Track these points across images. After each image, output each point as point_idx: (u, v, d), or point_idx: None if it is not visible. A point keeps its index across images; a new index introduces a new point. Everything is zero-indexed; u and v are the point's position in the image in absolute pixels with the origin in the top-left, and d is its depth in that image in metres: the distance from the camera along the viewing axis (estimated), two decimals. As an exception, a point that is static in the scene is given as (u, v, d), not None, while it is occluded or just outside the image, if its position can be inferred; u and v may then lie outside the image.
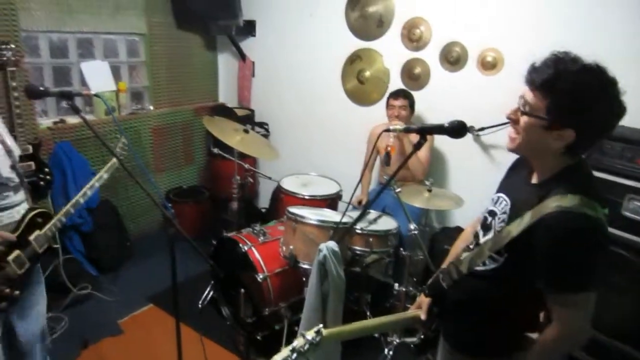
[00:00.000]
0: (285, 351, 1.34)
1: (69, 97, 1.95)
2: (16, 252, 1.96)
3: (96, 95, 2.07)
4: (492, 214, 1.51)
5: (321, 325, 1.39)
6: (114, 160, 2.33)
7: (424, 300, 1.69)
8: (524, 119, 1.33)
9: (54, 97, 3.72)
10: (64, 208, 2.16)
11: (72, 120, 3.80)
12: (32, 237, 2.02)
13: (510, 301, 1.44)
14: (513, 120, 1.38)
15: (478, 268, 1.47)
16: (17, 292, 1.98)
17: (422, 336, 1.70)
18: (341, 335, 1.61)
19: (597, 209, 1.25)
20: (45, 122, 3.68)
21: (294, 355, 1.33)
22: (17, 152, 2.06)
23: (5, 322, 2.07)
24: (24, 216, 2.02)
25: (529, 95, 1.31)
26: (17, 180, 2.03)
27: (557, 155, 1.33)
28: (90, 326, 3.11)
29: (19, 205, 2.05)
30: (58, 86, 3.79)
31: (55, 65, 3.80)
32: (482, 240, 1.52)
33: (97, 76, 3.94)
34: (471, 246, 1.56)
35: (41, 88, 1.89)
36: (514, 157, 1.59)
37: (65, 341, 2.82)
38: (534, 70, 1.30)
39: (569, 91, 1.23)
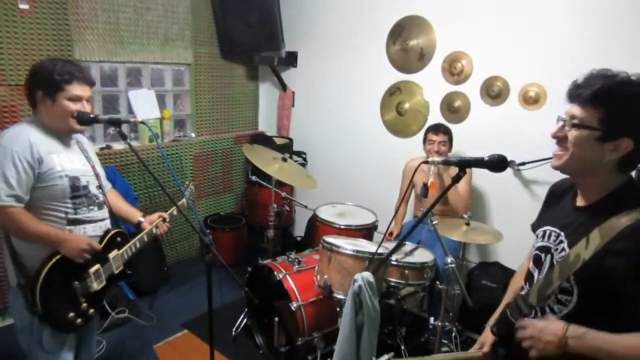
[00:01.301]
0: None
1: (117, 124, 2.05)
2: (97, 266, 2.07)
3: (142, 122, 2.15)
4: (543, 249, 1.45)
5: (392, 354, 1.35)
6: (182, 201, 2.51)
7: (487, 339, 1.62)
8: (573, 134, 1.30)
9: (101, 125, 3.92)
10: (140, 234, 2.29)
11: (118, 146, 3.95)
12: (111, 255, 2.15)
13: None
14: (559, 138, 1.35)
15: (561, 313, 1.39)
16: (92, 311, 2.07)
17: None
18: None
19: None
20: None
21: None
22: (103, 175, 2.25)
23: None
24: (105, 233, 2.16)
25: (577, 110, 1.29)
26: (102, 198, 2.17)
27: (607, 172, 1.28)
28: (127, 350, 3.15)
29: (102, 221, 2.17)
30: (106, 113, 3.96)
31: (105, 94, 3.98)
32: (536, 279, 1.46)
33: (143, 104, 4.10)
34: (523, 292, 1.49)
35: (91, 115, 2.02)
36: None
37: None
38: (579, 86, 1.30)
39: (624, 100, 1.22)
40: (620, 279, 1.22)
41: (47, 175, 1.94)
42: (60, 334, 2.01)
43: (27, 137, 1.91)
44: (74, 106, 1.98)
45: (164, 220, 2.41)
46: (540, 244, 1.48)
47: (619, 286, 1.23)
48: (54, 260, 1.90)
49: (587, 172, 1.34)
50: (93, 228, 2.11)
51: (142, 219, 2.38)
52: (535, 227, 1.57)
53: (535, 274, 1.49)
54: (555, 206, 1.51)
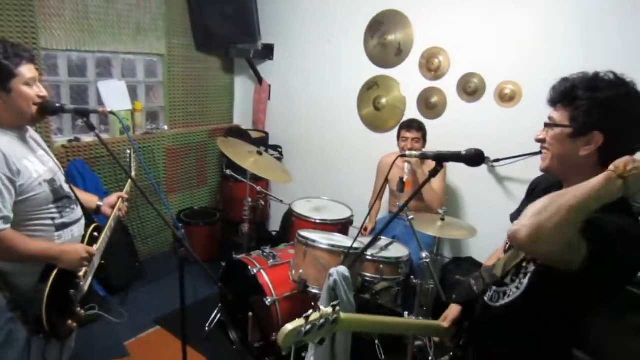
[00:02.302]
0: (299, 321, 1.27)
1: (84, 114, 1.97)
2: (85, 268, 1.97)
3: (112, 112, 2.06)
4: None
5: (338, 306, 1.32)
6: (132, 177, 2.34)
7: (449, 313, 1.68)
8: (549, 134, 1.36)
9: (70, 116, 3.80)
10: (107, 223, 2.17)
11: (87, 138, 3.84)
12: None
13: (543, 336, 1.39)
14: (542, 141, 1.39)
15: (502, 302, 1.44)
16: (83, 312, 2.00)
17: (451, 354, 1.68)
18: (358, 323, 1.52)
19: None
20: (60, 140, 3.72)
21: (307, 327, 1.26)
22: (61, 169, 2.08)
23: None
24: (85, 231, 2.05)
25: (553, 113, 1.36)
26: (73, 195, 2.04)
27: (590, 169, 1.29)
28: (97, 347, 3.07)
29: (82, 219, 2.07)
30: (75, 104, 3.82)
31: (73, 84, 3.86)
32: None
33: (113, 95, 3.99)
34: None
35: (57, 104, 1.88)
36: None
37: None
38: (552, 90, 1.36)
39: (588, 95, 1.27)
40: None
41: (27, 187, 1.77)
42: (53, 345, 1.95)
43: None
44: (32, 91, 1.78)
45: (124, 200, 2.30)
46: None
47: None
48: (52, 277, 1.81)
49: (570, 171, 1.37)
50: (78, 228, 2.02)
51: (100, 203, 2.26)
52: (514, 218, 1.57)
53: None
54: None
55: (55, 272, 1.83)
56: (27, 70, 1.76)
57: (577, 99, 1.29)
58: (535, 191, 1.61)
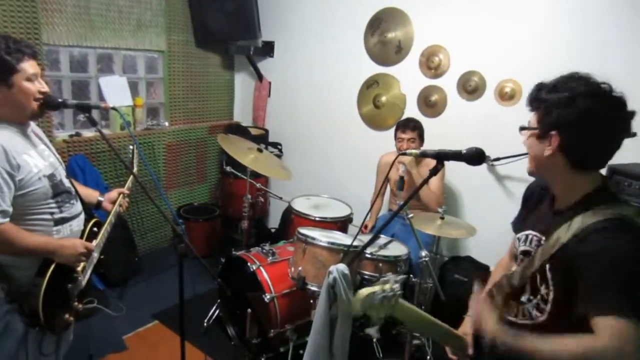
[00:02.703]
0: (375, 287, 1.33)
1: (86, 109, 1.96)
2: (83, 263, 1.97)
3: (114, 108, 2.06)
4: (526, 254, 1.48)
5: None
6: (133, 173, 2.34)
7: (468, 329, 1.62)
8: (525, 137, 1.43)
9: (71, 111, 3.80)
10: (107, 218, 2.17)
11: (88, 133, 3.85)
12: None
13: None
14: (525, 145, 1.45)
15: (525, 321, 1.44)
16: (80, 306, 2.01)
17: None
18: (408, 312, 1.50)
19: None
20: (61, 135, 3.72)
21: (381, 294, 1.31)
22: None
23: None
24: (85, 226, 2.05)
25: (531, 117, 1.41)
26: (73, 189, 2.04)
27: (564, 170, 1.34)
28: (95, 341, 3.07)
29: (81, 214, 2.06)
30: (76, 99, 3.82)
31: (74, 79, 3.86)
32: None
33: (114, 91, 3.99)
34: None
35: (59, 99, 1.88)
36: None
37: (71, 354, 2.79)
38: (528, 94, 1.42)
39: (547, 96, 1.33)
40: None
41: (26, 182, 1.77)
42: (49, 337, 1.95)
43: None
44: (33, 87, 1.77)
45: (124, 196, 2.30)
46: (522, 248, 1.51)
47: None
48: (50, 271, 1.81)
49: (547, 173, 1.42)
50: (77, 223, 2.01)
51: (101, 198, 2.26)
52: (517, 228, 1.59)
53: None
54: (535, 210, 1.55)
55: (53, 266, 1.83)
56: (29, 66, 1.76)
57: (539, 102, 1.35)
58: (530, 201, 1.63)
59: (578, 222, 1.29)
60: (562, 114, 1.29)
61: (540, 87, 1.37)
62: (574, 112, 1.27)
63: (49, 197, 1.87)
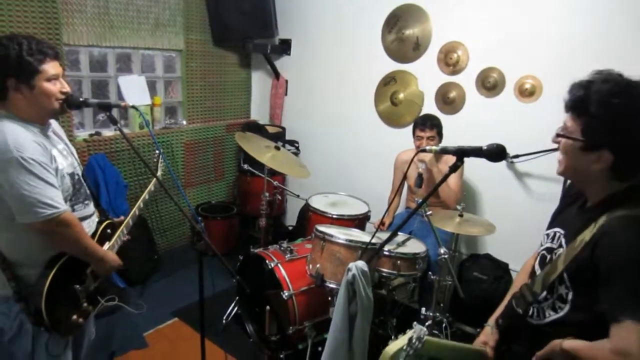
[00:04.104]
0: (401, 341, 1.30)
1: (107, 108, 1.98)
2: (91, 267, 1.99)
3: (133, 106, 2.07)
4: (550, 251, 1.45)
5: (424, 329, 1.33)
6: (158, 175, 2.36)
7: (489, 338, 1.57)
8: (562, 142, 1.34)
9: (91, 110, 3.86)
10: (125, 220, 2.20)
11: (108, 133, 3.90)
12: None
13: None
14: (557, 144, 1.37)
15: (540, 321, 1.40)
16: (91, 307, 2.03)
17: None
18: (434, 347, 1.46)
19: None
20: (81, 135, 3.78)
21: (408, 349, 1.28)
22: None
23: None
24: (97, 227, 2.07)
25: (568, 121, 1.32)
26: (88, 190, 2.06)
27: (604, 179, 1.28)
28: (117, 338, 3.12)
29: (94, 215, 2.08)
30: (96, 99, 3.87)
31: (94, 79, 3.91)
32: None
33: (133, 90, 4.04)
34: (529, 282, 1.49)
35: (81, 99, 1.90)
36: (549, 186, 1.57)
37: (93, 351, 2.84)
38: (568, 92, 1.31)
39: (599, 111, 1.22)
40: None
41: (57, 176, 1.81)
42: (63, 337, 1.96)
43: (27, 137, 1.72)
44: (54, 87, 1.79)
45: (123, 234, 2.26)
46: (547, 245, 1.48)
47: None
48: (54, 270, 1.81)
49: (584, 180, 1.36)
50: (88, 225, 2.01)
51: None
52: (549, 223, 1.55)
53: (538, 272, 1.48)
54: (568, 209, 1.51)
55: (57, 266, 1.83)
56: (50, 67, 1.77)
57: (589, 113, 1.24)
58: (567, 197, 1.57)
59: (603, 220, 1.26)
60: (619, 134, 1.22)
61: (587, 94, 1.25)
62: (632, 134, 1.21)
63: (69, 195, 1.89)
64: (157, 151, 2.43)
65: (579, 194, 1.46)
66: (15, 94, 1.74)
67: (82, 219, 1.96)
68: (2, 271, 1.80)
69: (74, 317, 1.93)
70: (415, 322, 1.34)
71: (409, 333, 1.30)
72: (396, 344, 1.30)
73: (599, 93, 1.23)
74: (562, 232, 1.42)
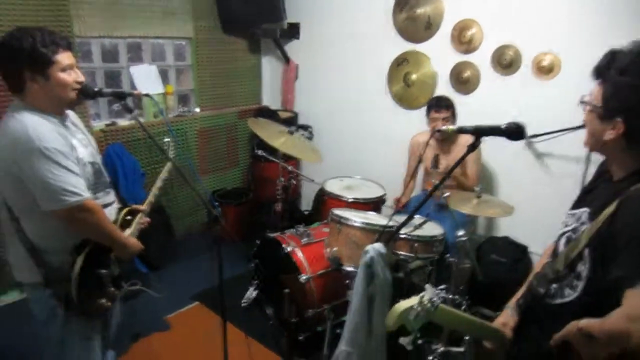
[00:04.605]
0: (411, 300, 1.27)
1: (122, 97, 2.00)
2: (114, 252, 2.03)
3: (147, 95, 2.10)
4: (575, 231, 1.42)
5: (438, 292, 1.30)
6: (169, 164, 2.37)
7: (508, 320, 1.56)
8: (585, 110, 1.33)
9: (106, 101, 3.88)
10: (143, 207, 2.23)
11: (123, 122, 3.93)
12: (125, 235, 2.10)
13: None
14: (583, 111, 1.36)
15: (559, 300, 1.38)
16: (117, 292, 2.07)
17: None
18: (448, 315, 1.43)
19: None
20: (98, 125, 3.81)
21: (418, 308, 1.25)
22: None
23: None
24: (118, 214, 2.10)
25: (594, 88, 1.30)
26: (108, 178, 2.10)
27: (620, 150, 1.26)
28: (141, 321, 3.19)
29: (114, 203, 2.12)
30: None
31: (107, 70, 3.93)
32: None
33: (145, 79, 4.05)
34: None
35: (95, 89, 1.92)
36: (569, 166, 1.55)
37: (118, 333, 2.92)
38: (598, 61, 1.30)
39: (616, 78, 1.21)
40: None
41: (79, 165, 1.85)
42: (93, 320, 2.02)
43: (48, 127, 1.76)
44: (70, 77, 1.81)
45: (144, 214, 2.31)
46: (573, 225, 1.44)
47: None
48: (83, 255, 1.86)
49: (604, 151, 1.35)
50: (109, 212, 2.05)
51: None
52: (575, 204, 1.51)
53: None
54: (595, 190, 1.48)
55: (85, 251, 1.87)
56: (64, 58, 1.80)
57: (609, 78, 1.24)
58: (600, 177, 1.52)
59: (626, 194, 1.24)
60: (633, 101, 1.20)
61: (611, 59, 1.25)
62: None
63: (91, 184, 1.92)
64: (166, 139, 2.44)
65: (608, 172, 1.44)
66: (32, 85, 1.77)
67: (104, 206, 1.99)
68: (30, 258, 1.84)
69: (102, 300, 1.97)
70: (428, 284, 1.32)
71: (422, 293, 1.29)
72: (408, 302, 1.27)
73: (620, 61, 1.23)
74: (587, 210, 1.40)
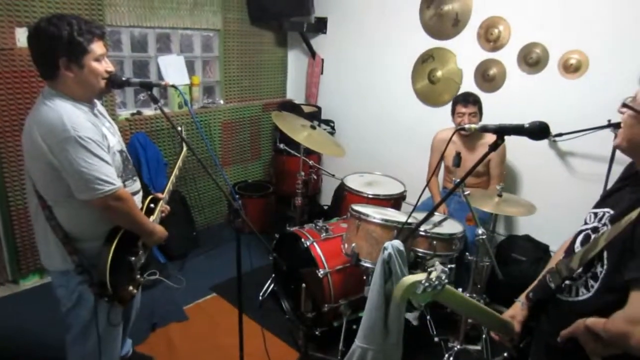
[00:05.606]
0: (419, 275, 1.27)
1: (148, 87, 2.02)
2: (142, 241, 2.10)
3: (173, 85, 2.12)
4: (595, 230, 1.40)
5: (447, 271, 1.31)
6: (186, 149, 2.41)
7: (517, 313, 1.56)
8: (627, 113, 1.29)
9: (132, 90, 3.94)
10: (163, 195, 2.29)
11: (148, 112, 3.99)
12: None
13: None
14: (622, 114, 1.32)
15: (572, 298, 1.37)
16: (142, 279, 2.15)
17: (505, 355, 1.59)
18: (454, 297, 1.43)
19: None
20: (123, 114, 3.88)
21: (426, 283, 1.25)
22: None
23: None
24: (143, 202, 2.16)
25: (638, 89, 1.28)
26: (134, 167, 2.15)
27: None
28: (159, 310, 3.23)
29: (140, 191, 2.17)
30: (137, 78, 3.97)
31: (135, 59, 3.99)
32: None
33: (172, 70, 4.10)
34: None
35: (123, 78, 1.95)
36: (593, 166, 1.51)
37: (136, 322, 2.97)
38: None
39: None
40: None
41: (109, 153, 1.88)
42: (122, 306, 2.07)
43: (81, 116, 1.78)
44: (101, 66, 1.85)
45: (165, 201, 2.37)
46: (593, 224, 1.42)
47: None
48: (115, 242, 1.90)
49: (636, 154, 1.33)
50: (137, 199, 2.09)
51: None
52: (598, 204, 1.49)
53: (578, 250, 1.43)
54: (621, 191, 1.44)
55: (117, 239, 1.92)
56: (97, 47, 1.83)
57: None
58: (627, 173, 1.49)
59: None
60: None
61: None
62: None
63: (120, 172, 1.96)
64: (179, 127, 2.47)
65: (636, 175, 1.41)
66: (66, 73, 1.79)
67: (133, 194, 2.03)
68: (63, 245, 1.89)
69: (130, 287, 2.03)
70: (437, 262, 1.32)
71: (430, 269, 1.28)
72: (416, 276, 1.27)
73: None
74: (610, 212, 1.37)
